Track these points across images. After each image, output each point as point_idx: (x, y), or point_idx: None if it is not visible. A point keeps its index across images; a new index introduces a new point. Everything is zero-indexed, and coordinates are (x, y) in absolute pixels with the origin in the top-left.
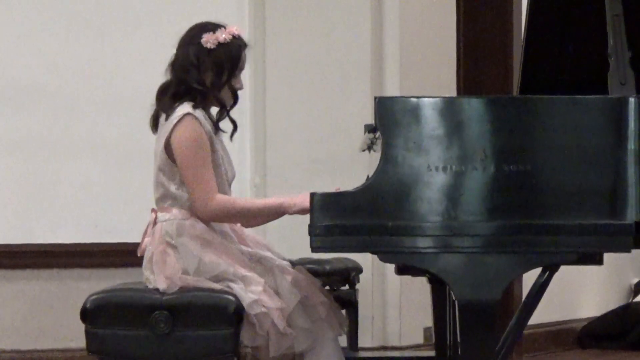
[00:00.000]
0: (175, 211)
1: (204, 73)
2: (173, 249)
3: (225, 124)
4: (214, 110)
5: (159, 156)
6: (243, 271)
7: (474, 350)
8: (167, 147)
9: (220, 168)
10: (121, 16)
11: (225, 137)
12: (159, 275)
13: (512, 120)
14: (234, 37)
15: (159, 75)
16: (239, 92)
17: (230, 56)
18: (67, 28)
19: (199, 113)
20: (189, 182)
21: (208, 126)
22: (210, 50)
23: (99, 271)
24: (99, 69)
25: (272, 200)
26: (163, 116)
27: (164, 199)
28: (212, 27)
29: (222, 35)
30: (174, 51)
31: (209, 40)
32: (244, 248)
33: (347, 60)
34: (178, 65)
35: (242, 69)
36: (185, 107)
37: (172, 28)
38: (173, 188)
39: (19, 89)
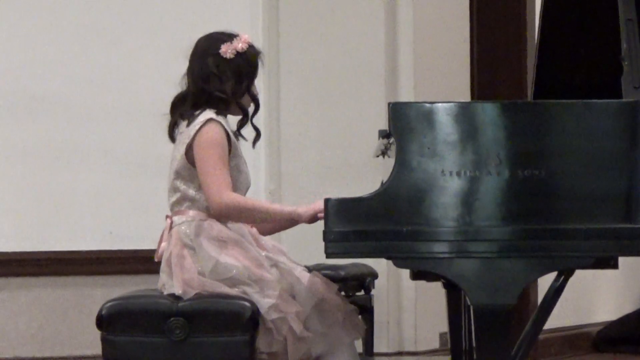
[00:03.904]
0: (192, 213)
1: (225, 82)
2: (190, 250)
3: (247, 133)
4: (234, 119)
5: (177, 160)
6: (259, 274)
7: (489, 355)
8: (189, 151)
9: (241, 174)
10: (135, 26)
11: (244, 144)
12: (176, 280)
13: (526, 125)
14: (249, 45)
15: (173, 84)
16: None
17: (249, 64)
18: (82, 38)
19: (221, 119)
20: (204, 177)
21: (230, 132)
22: (229, 60)
23: (114, 278)
24: (114, 78)
25: (286, 208)
26: (183, 124)
27: (180, 203)
28: (228, 37)
29: (239, 45)
30: (188, 62)
31: (227, 50)
32: (261, 251)
33: (361, 67)
34: (197, 76)
35: (256, 75)
36: (208, 113)
37: (186, 37)
38: (192, 191)
39: (34, 98)
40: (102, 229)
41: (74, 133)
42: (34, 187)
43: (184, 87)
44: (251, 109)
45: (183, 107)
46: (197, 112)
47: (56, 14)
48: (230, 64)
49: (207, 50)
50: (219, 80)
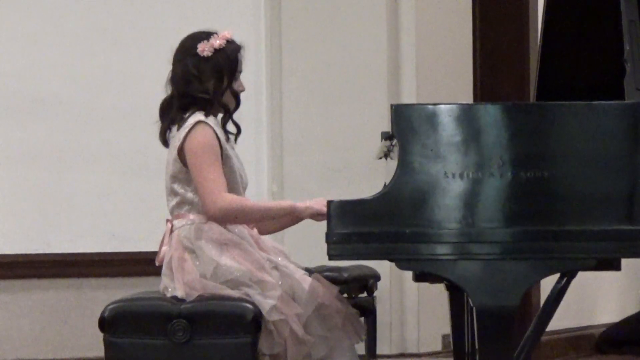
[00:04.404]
0: (192, 216)
1: (206, 82)
2: (191, 253)
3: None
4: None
5: (171, 164)
6: (260, 276)
7: (492, 357)
8: (180, 154)
9: (235, 174)
10: (136, 28)
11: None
12: (178, 283)
13: (529, 127)
14: (227, 41)
15: None
16: (243, 94)
17: (228, 60)
18: (84, 40)
19: (211, 120)
20: (198, 182)
21: (220, 133)
22: (207, 58)
23: (116, 280)
24: (115, 80)
25: (284, 202)
26: (174, 128)
27: (180, 206)
28: (205, 35)
29: (216, 42)
30: (171, 66)
31: (204, 48)
32: (262, 254)
33: (364, 68)
34: (178, 79)
35: (240, 71)
36: (197, 116)
37: None
38: (190, 194)
39: (36, 100)
40: (104, 231)
41: (76, 135)
42: (36, 189)
43: (169, 91)
44: (233, 106)
45: (171, 112)
46: (187, 115)
47: (58, 17)
48: (209, 62)
49: (186, 51)
50: (199, 80)
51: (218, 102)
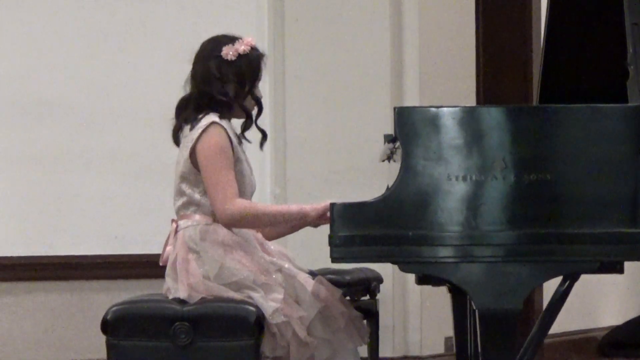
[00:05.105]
0: (198, 217)
1: (227, 85)
2: (195, 254)
3: (252, 135)
4: (237, 122)
5: (182, 164)
6: (264, 278)
7: (495, 359)
8: (192, 154)
9: (245, 178)
10: (141, 31)
11: (249, 148)
12: (181, 284)
13: (532, 130)
14: (252, 47)
15: (178, 88)
16: None
17: (251, 66)
18: (87, 43)
19: (224, 123)
20: (210, 185)
21: (233, 136)
22: (231, 62)
23: (119, 283)
24: (119, 82)
25: (292, 206)
26: (187, 127)
27: (186, 206)
28: (230, 39)
29: (241, 47)
30: (191, 66)
31: (229, 52)
32: (266, 256)
33: (367, 71)
34: (199, 79)
35: (260, 78)
36: (211, 117)
37: (191, 42)
38: (197, 195)
39: (39, 103)
40: (107, 233)
41: (80, 137)
42: (40, 191)
43: (187, 91)
44: (255, 111)
45: (186, 111)
46: (201, 116)
47: (62, 19)
48: (232, 66)
49: (209, 53)
50: (221, 82)
51: (239, 106)
